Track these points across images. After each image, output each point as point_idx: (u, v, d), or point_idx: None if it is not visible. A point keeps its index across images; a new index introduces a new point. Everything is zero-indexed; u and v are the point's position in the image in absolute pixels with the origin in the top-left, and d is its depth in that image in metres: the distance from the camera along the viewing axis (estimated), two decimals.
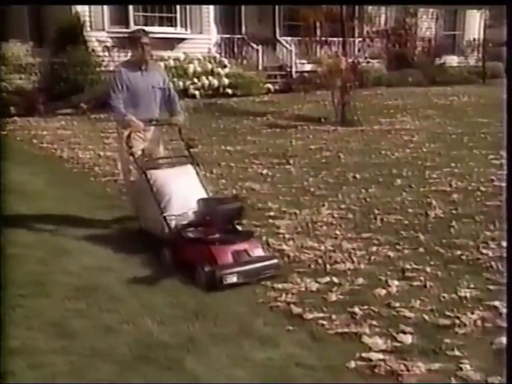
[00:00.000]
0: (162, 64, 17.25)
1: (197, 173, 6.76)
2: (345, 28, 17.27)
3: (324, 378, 4.01)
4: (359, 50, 18.39)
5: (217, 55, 22.21)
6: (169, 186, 6.37)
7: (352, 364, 4.15)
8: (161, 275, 5.66)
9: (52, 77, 17.18)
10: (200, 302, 5.14)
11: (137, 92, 6.90)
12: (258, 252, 5.82)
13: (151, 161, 6.85)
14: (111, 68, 18.29)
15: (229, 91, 20.50)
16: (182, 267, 5.72)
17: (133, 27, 20.04)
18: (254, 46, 23.41)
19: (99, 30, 19.31)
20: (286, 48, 24.41)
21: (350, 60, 16.17)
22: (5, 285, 5.33)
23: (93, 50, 18.57)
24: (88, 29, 18.81)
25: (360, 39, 20.36)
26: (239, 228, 6.12)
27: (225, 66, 21.45)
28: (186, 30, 21.70)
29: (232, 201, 6.52)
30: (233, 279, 5.41)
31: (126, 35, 19.16)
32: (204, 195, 6.43)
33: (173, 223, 6.15)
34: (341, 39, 18.31)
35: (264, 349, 4.39)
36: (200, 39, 21.92)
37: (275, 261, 5.83)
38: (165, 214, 6.18)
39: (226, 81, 20.65)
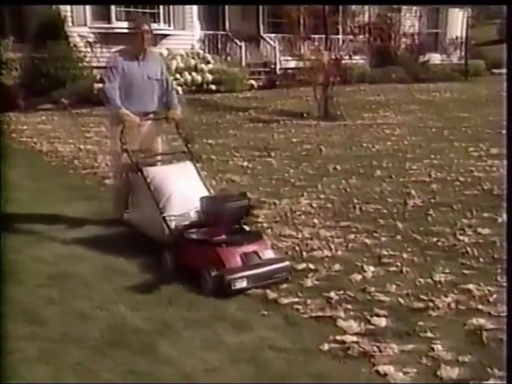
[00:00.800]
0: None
1: (197, 170, 6.32)
2: (328, 23, 17.26)
3: (296, 361, 3.99)
4: (341, 45, 18.36)
5: (201, 51, 22.14)
6: (168, 184, 5.92)
7: (326, 346, 4.14)
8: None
9: (33, 72, 17.01)
10: (174, 287, 5.10)
11: (132, 83, 6.47)
12: (269, 253, 5.34)
13: (147, 157, 6.40)
14: (94, 64, 18.28)
15: (213, 87, 20.46)
16: (184, 272, 5.27)
17: (115, 23, 20.01)
18: (238, 42, 23.37)
19: (81, 26, 19.16)
20: (270, 45, 24.38)
21: (332, 55, 16.14)
22: None
23: (75, 45, 18.42)
24: (70, 24, 18.66)
25: (343, 34, 20.38)
26: (247, 227, 5.66)
27: (208, 62, 21.39)
28: (169, 26, 21.60)
29: (239, 198, 5.71)
30: (243, 284, 4.96)
31: (108, 30, 19.48)
32: (205, 193, 5.97)
33: (173, 224, 5.68)
34: (324, 35, 18.30)
35: (237, 333, 4.38)
36: (183, 35, 21.83)
37: (286, 263, 5.35)
38: (164, 215, 5.70)
39: (209, 77, 20.60)
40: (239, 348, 4.17)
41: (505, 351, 3.60)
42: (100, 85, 18.07)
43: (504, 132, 12.57)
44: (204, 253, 5.24)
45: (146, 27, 6.57)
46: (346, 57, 18.97)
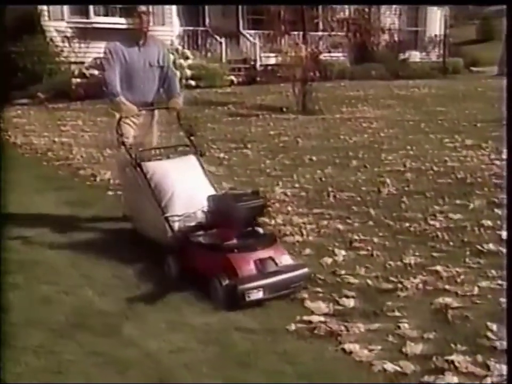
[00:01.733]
0: None
1: (201, 165, 5.75)
2: (306, 19, 17.25)
3: (262, 341, 3.96)
4: (319, 40, 18.38)
5: (180, 47, 22.06)
6: (170, 180, 5.36)
7: (293, 326, 4.11)
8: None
9: (9, 67, 16.90)
10: (141, 272, 5.05)
11: (133, 71, 6.03)
12: (286, 259, 4.75)
13: (146, 151, 5.90)
14: (72, 59, 18.20)
15: (192, 83, 20.38)
16: (191, 279, 4.74)
17: (93, 18, 19.89)
18: (218, 38, 23.32)
19: (58, 20, 19.04)
20: (250, 41, 24.35)
21: (310, 49, 16.12)
22: None
23: (52, 40, 18.30)
24: (47, 18, 18.54)
25: (322, 30, 20.41)
26: (261, 230, 5.04)
27: (187, 58, 21.32)
28: (150, 24, 21.45)
29: (252, 197, 4.99)
30: (259, 294, 4.38)
31: (86, 25, 19.35)
32: (211, 191, 5.41)
33: (176, 225, 5.13)
34: (303, 30, 18.31)
35: (204, 314, 4.33)
36: (163, 31, 21.73)
37: (306, 270, 4.73)
38: (167, 215, 5.16)
39: (188, 72, 20.53)
40: (205, 329, 4.13)
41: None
42: (78, 80, 18.19)
43: (479, 124, 12.71)
44: (213, 259, 4.66)
45: (142, 7, 6.06)
46: (325, 52, 18.96)
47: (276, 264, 4.63)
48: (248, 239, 4.81)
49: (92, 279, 4.97)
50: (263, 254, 4.65)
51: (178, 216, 5.18)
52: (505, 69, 17.63)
